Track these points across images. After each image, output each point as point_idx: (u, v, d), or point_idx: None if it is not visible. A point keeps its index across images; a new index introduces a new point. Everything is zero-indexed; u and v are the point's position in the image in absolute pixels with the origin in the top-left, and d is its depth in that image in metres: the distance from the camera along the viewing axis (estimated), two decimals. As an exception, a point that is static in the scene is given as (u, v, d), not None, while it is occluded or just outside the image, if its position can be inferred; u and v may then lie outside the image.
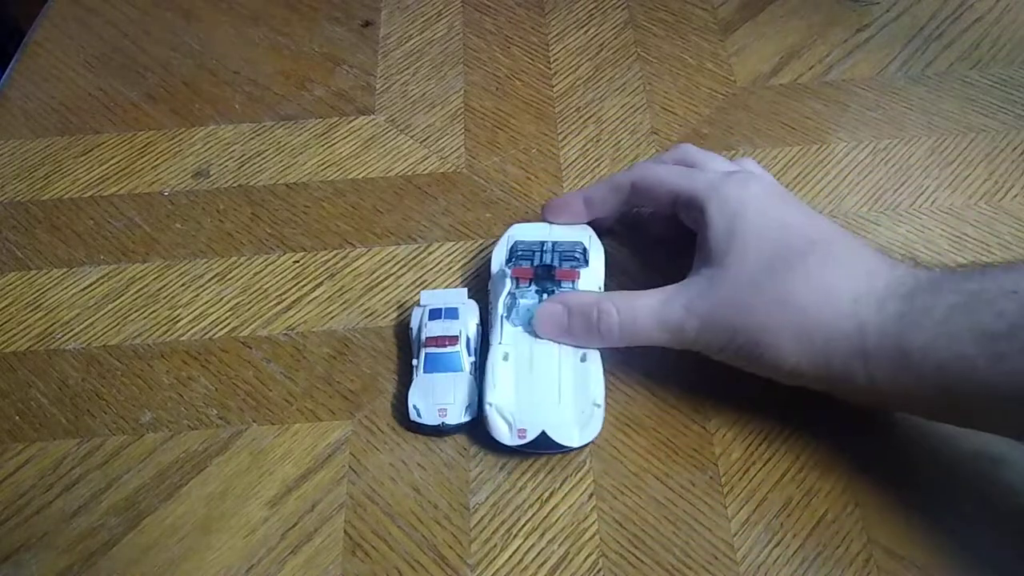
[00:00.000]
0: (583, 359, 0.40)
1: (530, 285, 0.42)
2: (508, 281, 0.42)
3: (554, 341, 0.41)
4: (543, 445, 0.38)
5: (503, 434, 0.39)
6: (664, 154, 0.46)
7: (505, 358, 0.40)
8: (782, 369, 0.37)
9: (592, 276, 0.43)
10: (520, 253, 0.44)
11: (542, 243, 0.44)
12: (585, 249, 0.44)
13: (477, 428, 0.40)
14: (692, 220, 0.41)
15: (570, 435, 0.39)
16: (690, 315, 0.38)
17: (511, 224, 0.46)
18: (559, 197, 0.47)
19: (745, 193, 0.39)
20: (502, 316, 0.42)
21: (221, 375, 0.43)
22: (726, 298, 0.37)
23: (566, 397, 0.39)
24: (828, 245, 0.37)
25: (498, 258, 0.44)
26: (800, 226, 0.38)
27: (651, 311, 0.39)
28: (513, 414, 0.39)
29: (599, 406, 0.39)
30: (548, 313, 0.40)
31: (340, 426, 0.41)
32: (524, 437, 0.39)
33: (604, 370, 0.40)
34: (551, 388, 0.40)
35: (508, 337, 0.41)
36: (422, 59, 0.58)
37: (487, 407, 0.39)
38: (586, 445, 0.39)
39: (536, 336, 0.41)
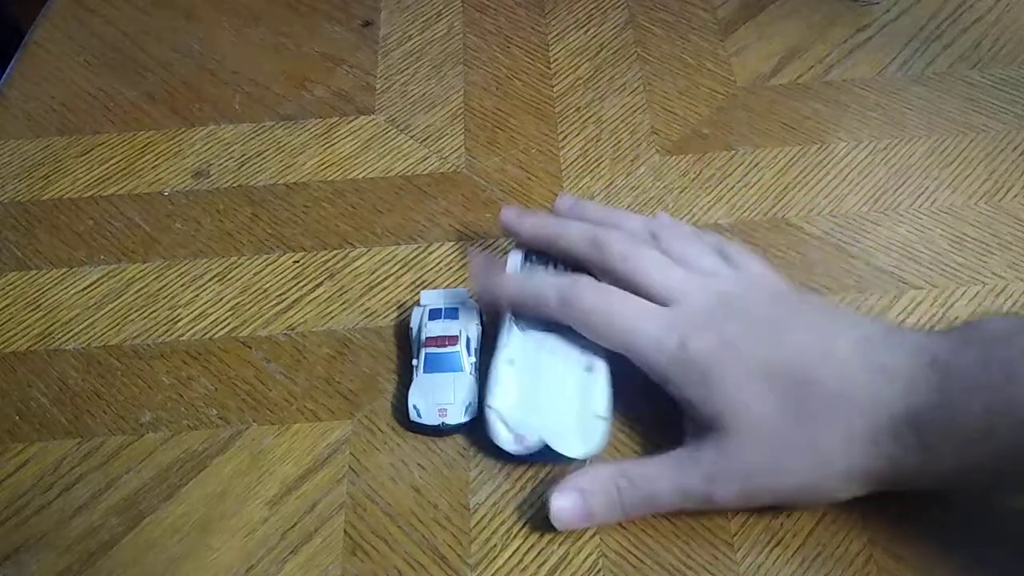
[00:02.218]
0: (589, 369, 0.39)
1: None
2: None
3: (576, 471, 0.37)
4: (543, 453, 0.38)
5: (503, 439, 0.38)
6: (572, 206, 0.44)
7: (511, 363, 0.40)
8: (840, 500, 0.36)
9: None
10: (535, 260, 0.43)
11: None
12: None
13: (477, 429, 0.40)
14: (657, 381, 0.38)
15: (571, 445, 0.38)
16: (716, 487, 0.36)
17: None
18: (491, 268, 0.43)
19: (700, 351, 0.36)
20: (510, 320, 0.41)
21: (221, 375, 0.43)
22: (751, 467, 0.35)
23: (570, 407, 0.39)
24: (821, 382, 0.35)
25: (512, 265, 0.43)
26: (780, 363, 0.35)
27: (669, 483, 0.36)
28: (514, 420, 0.38)
29: (603, 418, 0.38)
30: (563, 507, 0.36)
31: (340, 426, 0.41)
32: (524, 444, 0.38)
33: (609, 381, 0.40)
34: (555, 397, 0.39)
35: (515, 342, 0.40)
36: (422, 59, 0.58)
37: (488, 411, 0.39)
38: (587, 458, 0.38)
39: (544, 342, 0.40)
